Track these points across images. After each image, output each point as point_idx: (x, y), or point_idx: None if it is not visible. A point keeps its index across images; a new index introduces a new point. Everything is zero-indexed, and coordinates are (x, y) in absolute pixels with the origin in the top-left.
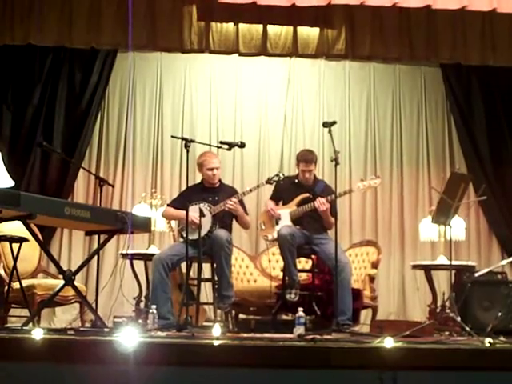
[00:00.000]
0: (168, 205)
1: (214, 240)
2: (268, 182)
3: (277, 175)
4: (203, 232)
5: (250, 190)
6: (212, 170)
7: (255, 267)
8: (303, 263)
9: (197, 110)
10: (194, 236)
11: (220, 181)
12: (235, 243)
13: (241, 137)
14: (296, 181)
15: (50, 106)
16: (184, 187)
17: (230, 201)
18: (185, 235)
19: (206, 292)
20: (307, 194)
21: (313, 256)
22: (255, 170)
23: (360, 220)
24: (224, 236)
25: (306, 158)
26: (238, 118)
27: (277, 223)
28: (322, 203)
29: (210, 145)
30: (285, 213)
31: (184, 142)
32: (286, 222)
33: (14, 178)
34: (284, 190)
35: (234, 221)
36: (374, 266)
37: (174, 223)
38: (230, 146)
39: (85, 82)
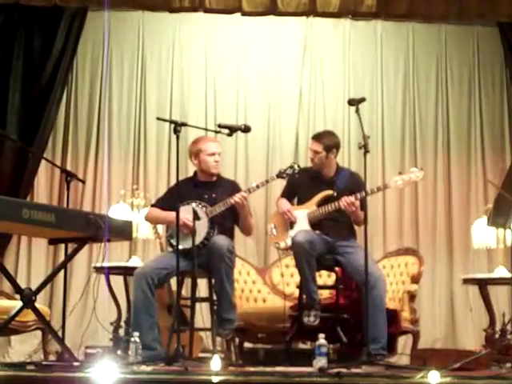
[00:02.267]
0: (153, 205)
1: (211, 249)
2: (280, 175)
3: (291, 167)
4: (198, 239)
5: (257, 186)
6: (213, 155)
7: (264, 283)
8: (325, 277)
9: (189, 84)
10: (186, 244)
11: (218, 174)
12: (239, 253)
13: (245, 119)
14: (314, 173)
15: (3, 79)
16: (173, 182)
17: (238, 194)
18: (175, 243)
19: (202, 315)
20: (330, 192)
21: (337, 268)
22: (263, 161)
23: (396, 222)
24: (224, 244)
25: (314, 135)
26: (241, 94)
27: (291, 227)
28: (349, 203)
29: (206, 129)
30: (301, 214)
31: (173, 125)
32: (302, 225)
33: None
34: (300, 186)
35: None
36: (415, 280)
37: (160, 228)
38: (232, 130)
39: (47, 50)
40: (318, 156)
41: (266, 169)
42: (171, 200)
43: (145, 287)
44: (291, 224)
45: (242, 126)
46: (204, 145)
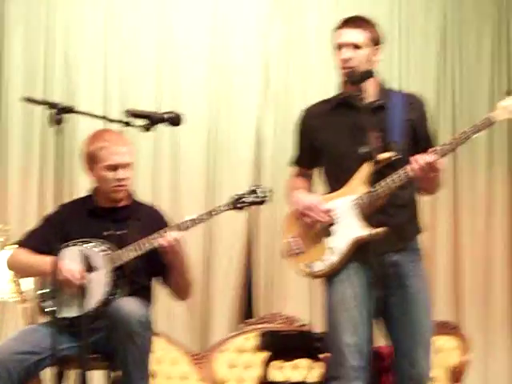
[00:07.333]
0: (21, 244)
1: (113, 321)
2: (238, 204)
3: (256, 191)
4: (91, 303)
5: (195, 222)
6: (116, 168)
7: (201, 379)
8: None
9: (77, 43)
10: (70, 312)
11: (131, 195)
12: (160, 327)
13: (174, 104)
14: (347, 103)
15: None
16: (51, 207)
17: (167, 235)
18: (50, 309)
19: None
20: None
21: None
22: (203, 176)
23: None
24: (135, 312)
25: (346, 20)
26: (166, 62)
27: (326, 234)
28: (427, 166)
29: (109, 119)
30: (343, 204)
31: (53, 111)
32: (349, 223)
33: None
34: (329, 138)
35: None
36: (456, 376)
37: (28, 283)
38: (151, 121)
39: None
40: (359, 54)
41: (207, 189)
42: (48, 237)
43: None
44: (327, 230)
45: (171, 115)
46: (101, 149)
